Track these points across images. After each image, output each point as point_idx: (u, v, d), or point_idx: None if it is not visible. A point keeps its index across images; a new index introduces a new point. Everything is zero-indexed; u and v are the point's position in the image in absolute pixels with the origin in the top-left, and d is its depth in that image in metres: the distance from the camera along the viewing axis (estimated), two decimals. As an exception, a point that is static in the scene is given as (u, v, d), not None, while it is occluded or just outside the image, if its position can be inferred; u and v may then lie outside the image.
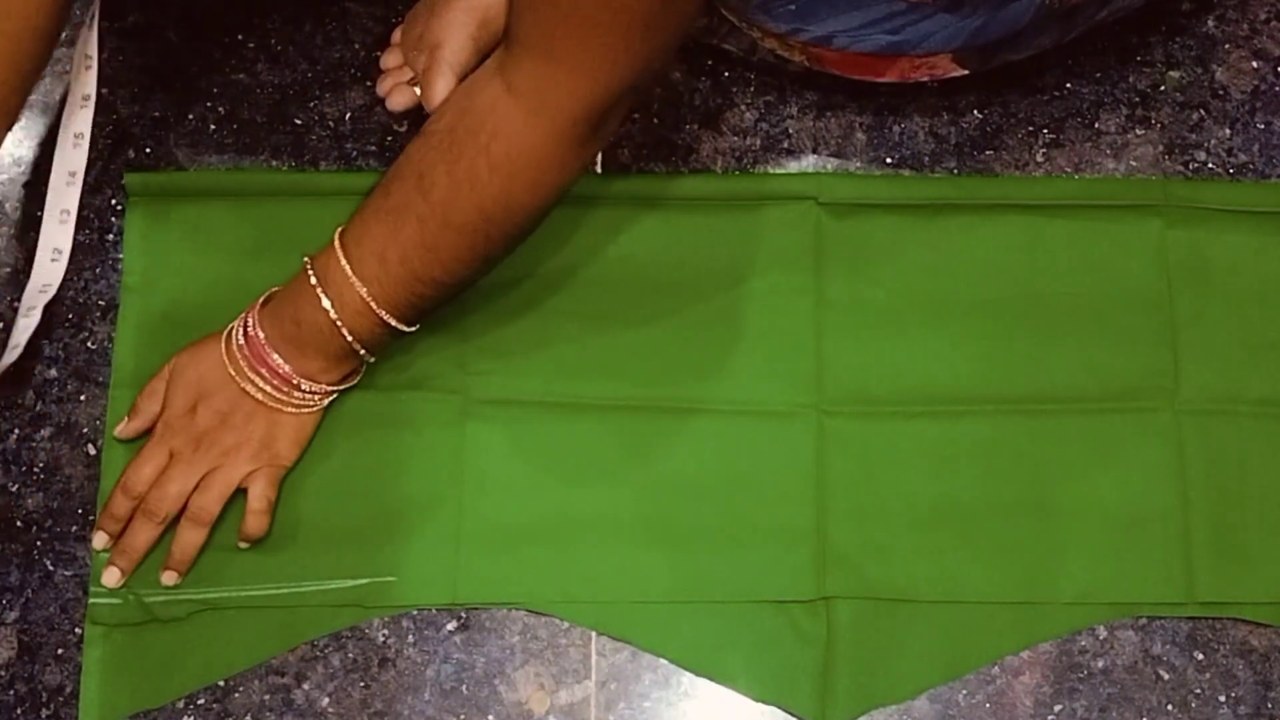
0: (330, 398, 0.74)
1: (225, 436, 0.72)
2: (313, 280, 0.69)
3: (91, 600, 0.73)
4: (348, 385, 0.74)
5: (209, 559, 0.74)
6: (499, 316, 0.78)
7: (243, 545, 0.74)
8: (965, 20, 0.71)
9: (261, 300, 0.73)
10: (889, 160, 0.83)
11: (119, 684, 0.72)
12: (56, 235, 0.77)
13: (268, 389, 0.71)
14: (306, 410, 0.73)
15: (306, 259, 0.70)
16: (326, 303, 0.68)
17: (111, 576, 0.73)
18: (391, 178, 0.67)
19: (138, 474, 0.72)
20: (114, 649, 0.73)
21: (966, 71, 0.78)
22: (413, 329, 0.71)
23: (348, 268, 0.67)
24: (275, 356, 0.71)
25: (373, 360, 0.73)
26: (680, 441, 0.77)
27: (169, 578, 0.73)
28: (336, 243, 0.68)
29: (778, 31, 0.75)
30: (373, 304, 0.68)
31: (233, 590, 0.74)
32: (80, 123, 0.77)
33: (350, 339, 0.69)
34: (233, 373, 0.72)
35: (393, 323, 0.69)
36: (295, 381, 0.71)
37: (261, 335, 0.71)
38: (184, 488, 0.72)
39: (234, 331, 0.72)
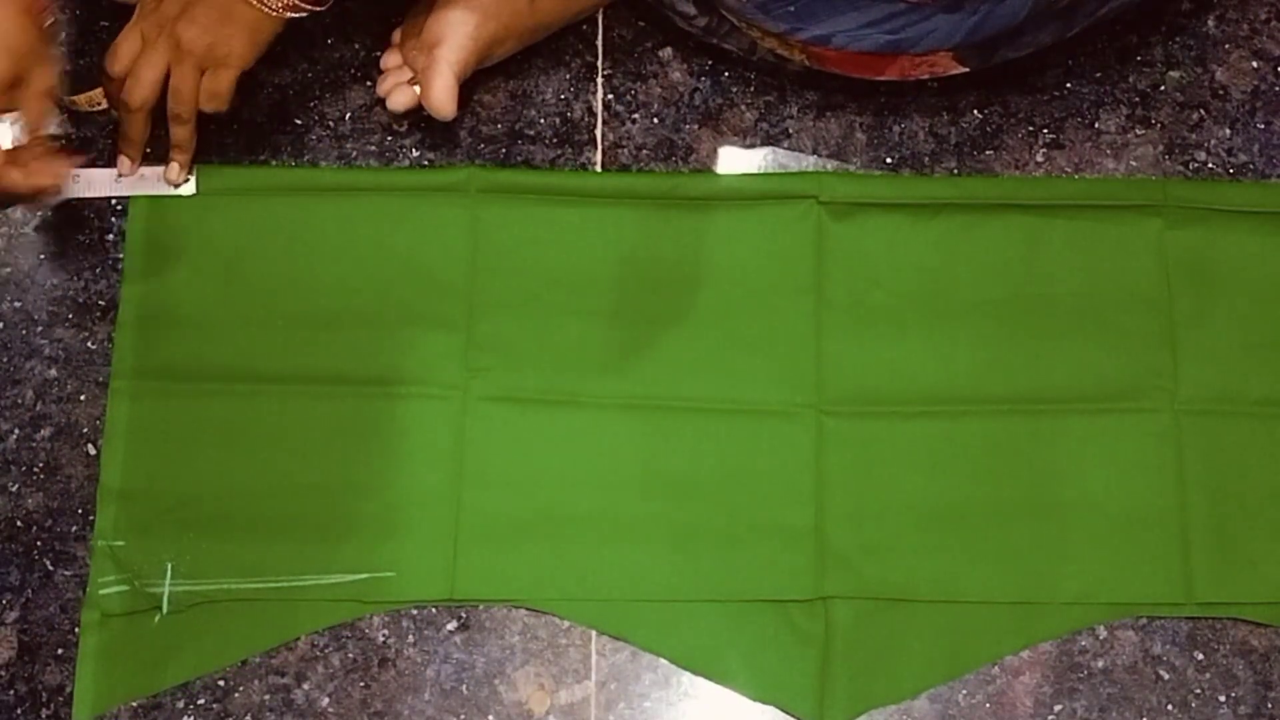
0: (293, 12, 0.73)
1: (185, 29, 0.73)
2: None
3: (98, 590, 0.73)
4: (313, 8, 0.74)
5: (209, 551, 0.74)
6: (499, 314, 0.78)
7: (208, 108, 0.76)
8: (963, 17, 0.71)
9: None
10: (889, 160, 0.83)
11: (114, 672, 0.72)
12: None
13: None
14: (266, 8, 0.73)
15: None
16: None
17: (123, 164, 0.79)
18: None
19: (112, 53, 0.75)
20: (110, 638, 0.73)
21: (967, 69, 0.78)
22: None
23: None
24: None
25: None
26: (680, 441, 0.77)
27: (174, 171, 0.79)
28: None
29: (776, 31, 0.75)
30: None
31: (232, 583, 0.74)
32: None
33: None
34: None
35: None
36: None
37: None
38: (155, 75, 0.74)
39: None
